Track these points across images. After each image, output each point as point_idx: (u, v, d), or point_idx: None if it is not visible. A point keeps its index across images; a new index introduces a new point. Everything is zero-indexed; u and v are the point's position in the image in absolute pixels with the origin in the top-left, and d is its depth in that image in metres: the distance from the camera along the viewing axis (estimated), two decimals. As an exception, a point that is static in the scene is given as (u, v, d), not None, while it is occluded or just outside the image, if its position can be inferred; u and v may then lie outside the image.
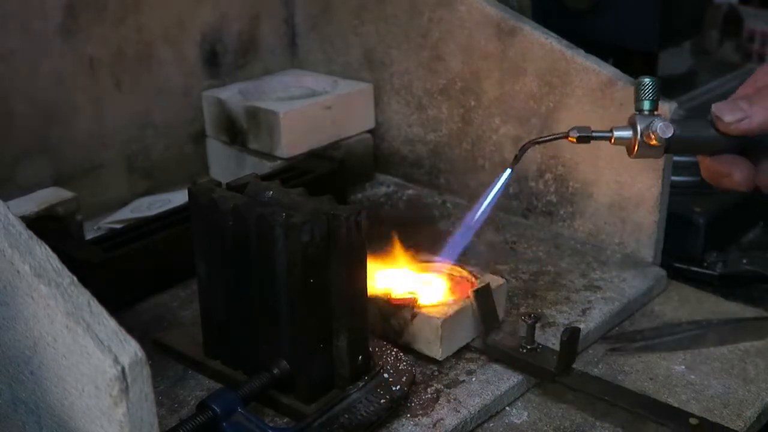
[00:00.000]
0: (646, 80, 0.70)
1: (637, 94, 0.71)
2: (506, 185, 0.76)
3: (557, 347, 0.77)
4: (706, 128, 0.69)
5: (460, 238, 0.80)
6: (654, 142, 0.69)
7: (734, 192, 1.08)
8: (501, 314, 0.79)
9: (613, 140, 0.71)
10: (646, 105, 0.70)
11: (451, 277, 0.82)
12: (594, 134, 0.71)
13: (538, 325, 0.81)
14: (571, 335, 0.72)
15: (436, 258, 0.82)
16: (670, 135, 0.68)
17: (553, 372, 0.73)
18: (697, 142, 0.70)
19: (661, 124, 0.69)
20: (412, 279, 0.82)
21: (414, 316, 0.76)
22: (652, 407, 0.70)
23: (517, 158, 0.73)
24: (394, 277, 0.82)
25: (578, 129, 0.71)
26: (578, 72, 0.93)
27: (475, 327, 0.77)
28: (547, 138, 0.74)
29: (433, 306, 0.76)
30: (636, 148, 0.70)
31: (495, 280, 0.80)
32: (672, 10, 1.23)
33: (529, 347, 0.75)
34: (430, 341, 0.75)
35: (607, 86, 0.91)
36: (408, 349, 0.77)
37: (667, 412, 0.70)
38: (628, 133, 0.71)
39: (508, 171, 0.75)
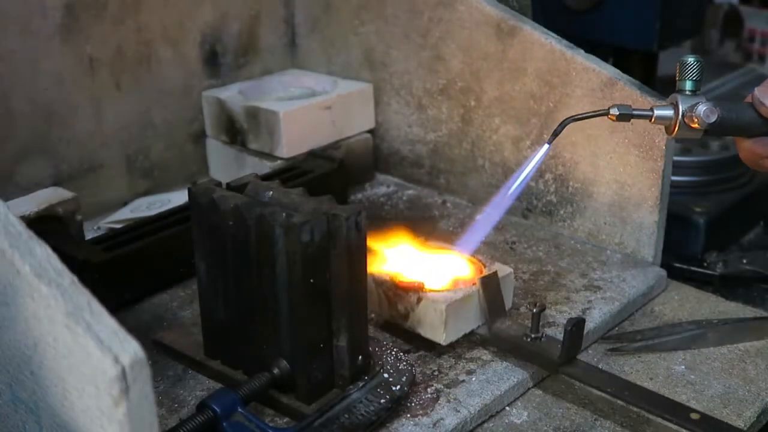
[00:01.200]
0: (690, 59, 0.70)
1: (680, 73, 0.70)
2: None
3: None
4: (747, 111, 0.70)
5: (490, 215, 0.80)
6: (696, 125, 0.69)
7: (734, 192, 1.08)
8: (508, 304, 0.80)
9: (653, 119, 0.71)
10: (688, 85, 0.70)
11: (460, 263, 0.82)
12: (634, 112, 0.71)
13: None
14: (576, 325, 0.72)
15: (464, 237, 0.81)
16: (714, 120, 0.68)
17: (556, 362, 0.72)
18: (738, 126, 0.70)
19: (705, 108, 0.68)
20: (422, 262, 0.82)
21: (419, 300, 0.76)
22: (653, 401, 0.70)
23: (555, 134, 0.73)
24: (404, 259, 0.82)
25: (619, 107, 0.71)
26: (578, 72, 0.93)
27: (481, 314, 0.78)
28: (586, 115, 0.73)
29: (439, 291, 0.77)
30: (676, 128, 0.70)
31: (503, 269, 0.80)
32: (672, 10, 1.23)
33: (533, 336, 0.75)
34: (434, 326, 0.76)
35: (607, 86, 0.91)
36: (413, 334, 0.77)
37: (668, 406, 0.70)
38: (669, 113, 0.70)
39: (546, 146, 0.75)
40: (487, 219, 0.81)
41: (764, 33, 1.67)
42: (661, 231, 0.92)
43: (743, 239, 1.07)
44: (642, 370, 0.79)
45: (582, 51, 0.95)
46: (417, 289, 0.76)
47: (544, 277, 0.91)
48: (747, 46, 1.68)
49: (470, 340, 0.79)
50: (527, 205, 1.02)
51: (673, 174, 0.92)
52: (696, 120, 0.69)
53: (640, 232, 0.93)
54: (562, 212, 0.99)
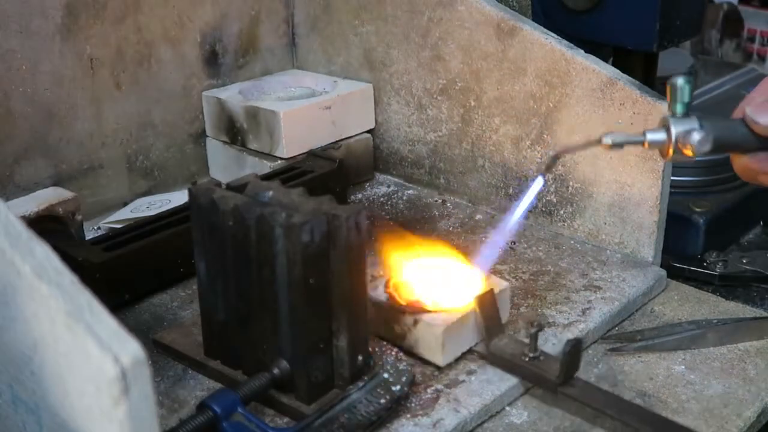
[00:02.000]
0: (679, 81, 0.69)
1: (670, 96, 0.69)
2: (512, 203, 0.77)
3: (557, 347, 0.78)
4: (740, 128, 0.69)
5: (490, 251, 0.80)
6: (689, 152, 0.68)
7: (734, 192, 1.08)
8: (505, 316, 0.79)
9: (647, 145, 0.70)
10: (679, 108, 0.69)
11: (458, 271, 0.81)
12: (628, 140, 0.70)
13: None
14: (574, 347, 0.71)
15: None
16: (707, 149, 0.68)
17: (555, 382, 0.72)
18: (732, 144, 0.70)
19: (698, 138, 0.67)
20: (421, 275, 0.81)
21: (416, 322, 0.75)
22: (655, 424, 0.69)
23: (548, 167, 0.73)
24: (402, 271, 0.81)
25: (611, 136, 0.70)
26: (578, 72, 0.93)
27: (479, 331, 0.77)
28: (579, 146, 0.73)
29: (437, 311, 0.76)
30: (670, 152, 0.70)
31: (499, 284, 0.80)
32: (672, 10, 1.23)
33: (531, 355, 0.74)
34: (432, 348, 0.75)
35: (607, 86, 0.91)
36: (410, 353, 0.77)
37: (673, 430, 0.69)
38: (662, 137, 0.69)
39: (540, 179, 0.75)
40: (487, 254, 0.80)
41: (764, 33, 1.67)
42: (661, 231, 0.92)
43: (743, 239, 1.07)
44: (642, 370, 0.79)
45: (582, 51, 0.95)
46: (413, 312, 0.76)
47: (544, 277, 0.91)
48: (747, 46, 1.68)
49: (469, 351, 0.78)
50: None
51: (673, 174, 0.92)
52: (690, 147, 0.68)
53: (640, 232, 0.93)
54: (562, 212, 0.99)
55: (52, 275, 0.48)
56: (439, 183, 1.12)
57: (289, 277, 0.66)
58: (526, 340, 0.75)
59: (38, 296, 0.47)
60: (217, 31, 1.14)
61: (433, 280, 0.80)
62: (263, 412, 0.71)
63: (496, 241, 0.79)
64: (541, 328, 0.74)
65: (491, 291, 0.77)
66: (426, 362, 0.76)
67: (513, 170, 1.03)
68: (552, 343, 0.79)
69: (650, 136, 0.70)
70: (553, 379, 0.72)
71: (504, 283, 0.80)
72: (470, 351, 0.78)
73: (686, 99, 0.69)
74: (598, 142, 0.70)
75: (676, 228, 0.96)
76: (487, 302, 0.76)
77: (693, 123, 0.69)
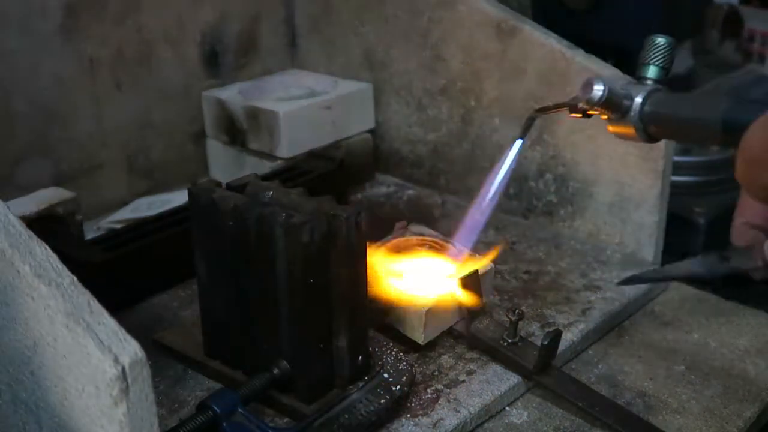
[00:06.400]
0: (660, 41, 0.57)
1: (644, 53, 0.57)
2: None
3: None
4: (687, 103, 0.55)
5: (474, 222, 0.80)
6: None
7: (734, 192, 1.08)
8: (488, 296, 0.80)
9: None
10: (652, 71, 0.56)
11: (444, 252, 0.82)
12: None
13: (538, 325, 0.82)
14: (553, 339, 0.72)
15: (453, 243, 0.81)
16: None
17: (530, 370, 0.73)
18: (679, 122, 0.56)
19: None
20: (408, 251, 0.82)
21: (401, 300, 0.76)
22: (622, 420, 0.69)
23: (525, 129, 0.72)
24: (389, 252, 0.82)
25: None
26: (578, 72, 0.93)
27: (460, 310, 0.78)
28: (552, 107, 0.71)
29: (419, 291, 0.77)
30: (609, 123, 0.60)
31: (484, 264, 0.80)
32: (672, 10, 1.23)
33: (510, 341, 0.75)
34: (413, 326, 0.76)
35: (607, 86, 0.91)
36: (390, 328, 0.77)
37: (637, 426, 0.69)
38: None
39: (519, 141, 0.75)
40: (477, 216, 0.80)
41: (764, 33, 1.67)
42: (661, 231, 0.92)
43: (743, 239, 1.07)
44: (642, 370, 0.79)
45: (582, 51, 0.95)
46: (398, 290, 0.77)
47: (544, 277, 0.91)
48: (747, 46, 1.68)
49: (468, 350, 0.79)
50: (527, 205, 1.02)
51: (673, 174, 0.92)
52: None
53: (640, 232, 0.93)
54: (562, 212, 0.99)
55: (52, 275, 0.48)
56: (439, 183, 1.12)
57: (289, 277, 0.66)
58: (507, 324, 0.76)
59: (38, 296, 0.47)
60: (217, 31, 1.14)
61: (419, 258, 0.81)
62: (263, 412, 0.71)
63: (477, 215, 0.79)
64: (521, 316, 0.75)
65: (476, 272, 0.78)
66: (406, 339, 0.77)
67: (513, 170, 1.02)
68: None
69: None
70: (530, 366, 0.73)
71: (489, 264, 0.81)
72: (450, 330, 0.79)
73: (660, 62, 0.57)
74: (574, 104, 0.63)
75: (676, 228, 0.96)
76: (471, 283, 0.77)
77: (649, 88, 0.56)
